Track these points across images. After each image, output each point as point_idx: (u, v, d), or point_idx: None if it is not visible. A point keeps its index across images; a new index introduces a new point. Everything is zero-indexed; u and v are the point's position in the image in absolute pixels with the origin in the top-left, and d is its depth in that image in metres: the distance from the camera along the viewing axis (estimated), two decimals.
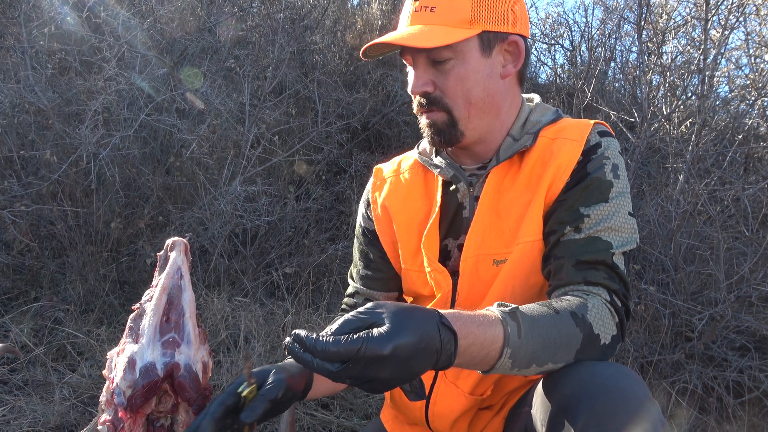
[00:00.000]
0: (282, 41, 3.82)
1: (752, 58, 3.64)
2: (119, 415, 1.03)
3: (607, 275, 1.12)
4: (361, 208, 1.50)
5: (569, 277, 1.13)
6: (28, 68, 3.19)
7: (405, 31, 1.21)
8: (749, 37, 3.69)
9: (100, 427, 1.06)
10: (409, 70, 1.28)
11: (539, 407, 1.03)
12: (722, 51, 3.28)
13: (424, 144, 1.43)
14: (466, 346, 0.91)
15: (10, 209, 2.98)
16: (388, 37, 1.21)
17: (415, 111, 1.30)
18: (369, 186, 1.49)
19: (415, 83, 1.23)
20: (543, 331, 1.00)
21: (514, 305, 1.01)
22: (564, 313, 1.04)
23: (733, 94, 3.86)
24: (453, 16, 1.19)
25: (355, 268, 1.50)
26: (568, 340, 1.02)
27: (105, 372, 1.09)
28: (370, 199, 1.46)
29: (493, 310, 0.99)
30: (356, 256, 1.50)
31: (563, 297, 1.11)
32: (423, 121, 1.28)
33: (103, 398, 1.08)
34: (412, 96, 1.29)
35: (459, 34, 1.18)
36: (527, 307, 1.03)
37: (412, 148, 1.50)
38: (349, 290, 1.52)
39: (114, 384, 1.05)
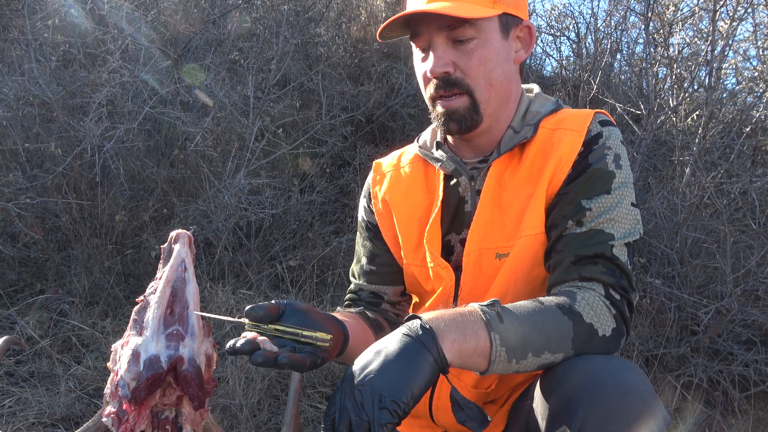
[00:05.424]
0: (286, 33, 3.80)
1: (760, 50, 3.60)
2: (124, 408, 1.03)
3: (606, 269, 1.11)
4: (363, 202, 1.48)
5: (565, 275, 1.13)
6: (32, 60, 3.19)
7: (433, 5, 1.15)
8: (758, 29, 3.65)
9: (105, 419, 1.06)
10: (416, 57, 1.25)
11: (539, 401, 1.03)
12: (730, 42, 3.24)
13: (425, 137, 1.41)
14: (445, 331, 0.93)
15: (15, 202, 2.99)
16: (423, 7, 1.15)
17: (428, 98, 1.25)
18: (369, 180, 1.47)
19: (436, 63, 1.18)
20: (527, 317, 1.00)
21: (493, 299, 1.02)
22: (549, 303, 1.05)
23: (740, 86, 3.82)
24: None
25: (358, 265, 1.47)
26: (559, 327, 1.01)
27: (109, 364, 1.09)
28: (371, 193, 1.45)
29: (472, 305, 1.01)
30: (360, 251, 1.48)
31: (554, 295, 1.11)
32: (439, 109, 1.23)
33: (107, 390, 1.08)
34: (423, 83, 1.24)
35: (486, 11, 1.16)
36: (510, 303, 1.04)
37: None
38: (352, 287, 1.48)
39: (118, 376, 1.05)
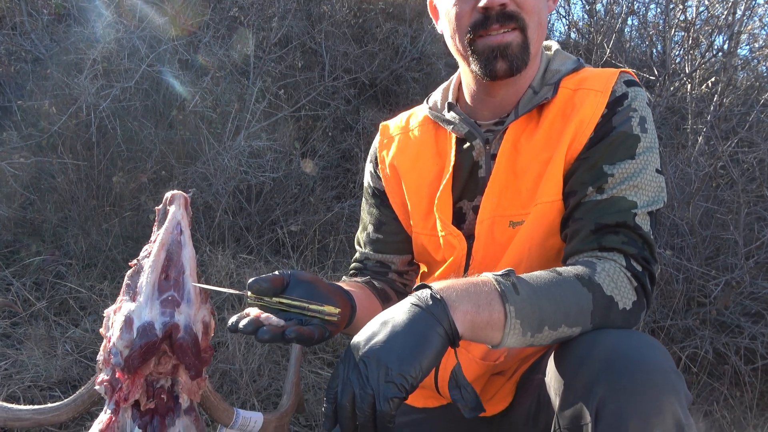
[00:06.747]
0: None
1: None
2: (117, 376, 0.99)
3: (627, 238, 1.05)
4: (369, 167, 1.41)
5: (584, 245, 1.07)
6: (23, 14, 3.07)
7: None
8: None
9: (97, 387, 1.02)
10: None
11: (553, 376, 0.98)
12: (751, 6, 3.11)
13: (435, 98, 1.33)
14: (457, 302, 0.88)
15: (9, 161, 2.91)
16: None
17: (467, 37, 1.13)
18: (375, 144, 1.40)
19: None
20: (544, 288, 0.95)
21: (508, 268, 0.96)
22: (567, 274, 0.99)
23: (757, 53, 3.70)
24: None
25: (364, 232, 1.41)
26: (578, 300, 0.96)
27: (102, 330, 1.05)
28: (378, 158, 1.38)
29: (486, 274, 0.95)
30: (366, 218, 1.41)
31: (571, 265, 1.04)
32: (484, 45, 1.12)
33: (100, 357, 1.04)
34: (458, 23, 1.13)
35: None
36: (526, 274, 0.98)
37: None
38: (357, 256, 1.43)
39: (111, 343, 1.00)
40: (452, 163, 1.24)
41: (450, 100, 1.30)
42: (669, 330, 2.49)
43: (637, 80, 1.18)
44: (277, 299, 0.93)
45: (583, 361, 0.91)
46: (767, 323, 2.48)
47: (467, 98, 1.27)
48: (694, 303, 2.60)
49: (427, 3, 1.29)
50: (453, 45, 1.20)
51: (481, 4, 1.10)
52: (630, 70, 1.21)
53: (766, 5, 3.67)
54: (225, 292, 1.06)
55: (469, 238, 1.22)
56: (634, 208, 1.06)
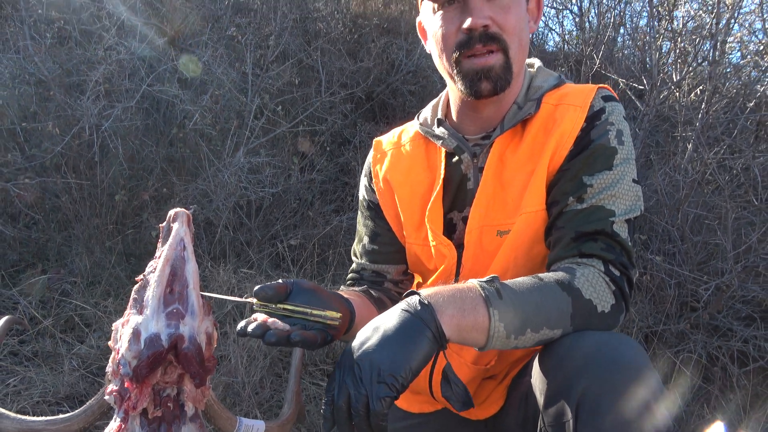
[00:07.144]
0: (284, 8, 3.74)
1: (766, 23, 3.54)
2: (125, 386, 1.04)
3: (606, 245, 1.11)
4: (363, 181, 1.47)
5: (565, 252, 1.12)
6: (27, 38, 3.15)
7: None
8: (764, 1, 3.58)
9: (107, 397, 1.07)
10: (435, 17, 1.21)
11: (538, 377, 1.04)
12: (736, 15, 3.19)
13: (425, 114, 1.40)
14: (443, 306, 0.93)
15: (14, 182, 2.98)
16: None
17: (452, 58, 1.19)
18: (369, 159, 1.46)
19: (477, 15, 1.14)
20: (526, 293, 1.00)
21: (492, 275, 1.02)
22: (548, 279, 1.04)
23: (745, 60, 3.77)
24: None
25: (360, 244, 1.46)
26: (558, 304, 1.01)
27: (111, 343, 1.10)
28: (372, 172, 1.44)
29: (471, 281, 1.01)
30: (361, 230, 1.47)
31: (553, 271, 1.10)
32: (469, 67, 1.18)
33: (109, 369, 1.09)
34: (445, 44, 1.19)
35: None
36: (510, 280, 1.04)
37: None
38: (354, 267, 1.48)
39: (119, 355, 1.05)
40: (442, 176, 1.30)
41: (439, 116, 1.36)
42: (662, 335, 2.54)
43: (615, 95, 1.25)
44: (281, 306, 0.99)
45: (563, 360, 0.97)
46: (759, 326, 2.52)
47: (455, 115, 1.33)
48: (687, 308, 2.65)
49: (417, 24, 1.36)
50: (440, 64, 1.26)
51: (464, 26, 1.16)
52: (607, 85, 1.27)
53: (752, 14, 3.75)
54: (233, 301, 1.11)
55: (459, 247, 1.27)
56: (612, 216, 1.12)
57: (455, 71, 1.21)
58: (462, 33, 1.17)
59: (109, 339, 1.12)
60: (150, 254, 1.10)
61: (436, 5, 1.20)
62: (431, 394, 1.33)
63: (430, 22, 1.24)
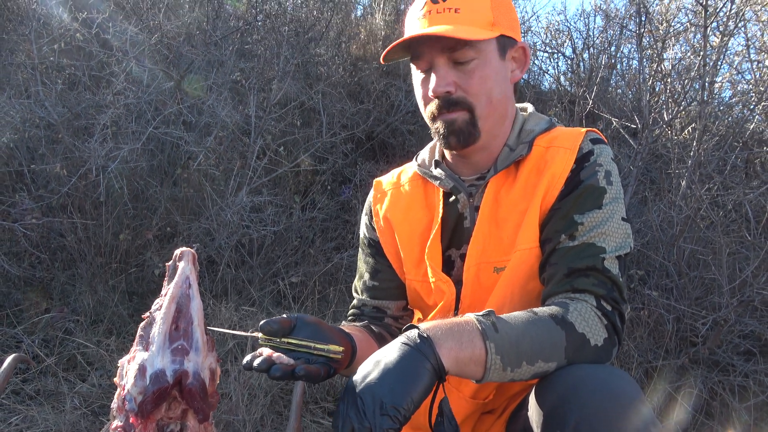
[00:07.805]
0: (287, 54, 3.87)
1: (753, 63, 3.66)
2: (130, 421, 1.06)
3: (597, 281, 1.15)
4: (364, 219, 1.52)
5: (558, 287, 1.16)
6: (38, 84, 3.26)
7: (436, 28, 1.21)
8: (750, 43, 3.71)
9: None
10: (417, 78, 1.29)
11: (534, 409, 1.06)
12: (723, 57, 3.30)
13: (423, 156, 1.46)
14: (442, 339, 0.96)
15: (21, 222, 3.03)
16: (426, 31, 1.20)
17: (427, 116, 1.29)
18: (370, 198, 1.51)
19: (439, 83, 1.22)
20: (521, 326, 1.04)
21: (489, 309, 1.06)
22: (542, 314, 1.08)
23: (735, 99, 3.88)
24: (477, 17, 1.22)
25: (361, 280, 1.50)
26: (552, 337, 1.05)
27: (116, 379, 1.12)
28: (372, 211, 1.49)
29: (468, 315, 1.05)
30: (362, 267, 1.51)
31: (547, 305, 1.14)
32: (438, 124, 1.26)
33: (114, 405, 1.11)
34: (423, 103, 1.28)
35: (486, 33, 1.21)
36: (505, 314, 1.08)
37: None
38: (355, 303, 1.51)
39: (125, 391, 1.07)
40: (440, 214, 1.35)
41: (436, 157, 1.42)
42: (662, 370, 2.54)
43: (603, 138, 1.31)
44: (285, 340, 1.02)
45: (557, 392, 1.00)
46: (758, 361, 2.52)
47: (449, 157, 1.39)
48: (686, 343, 2.65)
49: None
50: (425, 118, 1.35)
51: (429, 94, 1.26)
52: (596, 128, 1.34)
53: (738, 56, 3.88)
54: (238, 335, 1.15)
55: (458, 283, 1.31)
56: (603, 253, 1.16)
57: (431, 128, 1.31)
58: (431, 97, 1.26)
59: (111, 377, 1.14)
60: (153, 293, 1.14)
61: (416, 69, 1.30)
62: (431, 426, 1.35)
63: (414, 81, 1.33)
